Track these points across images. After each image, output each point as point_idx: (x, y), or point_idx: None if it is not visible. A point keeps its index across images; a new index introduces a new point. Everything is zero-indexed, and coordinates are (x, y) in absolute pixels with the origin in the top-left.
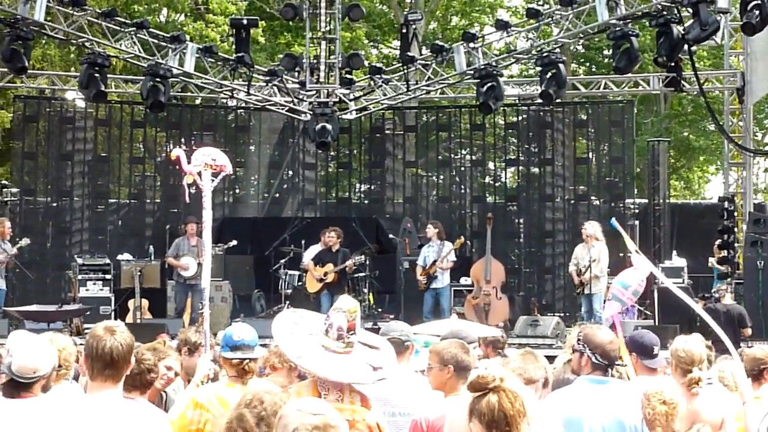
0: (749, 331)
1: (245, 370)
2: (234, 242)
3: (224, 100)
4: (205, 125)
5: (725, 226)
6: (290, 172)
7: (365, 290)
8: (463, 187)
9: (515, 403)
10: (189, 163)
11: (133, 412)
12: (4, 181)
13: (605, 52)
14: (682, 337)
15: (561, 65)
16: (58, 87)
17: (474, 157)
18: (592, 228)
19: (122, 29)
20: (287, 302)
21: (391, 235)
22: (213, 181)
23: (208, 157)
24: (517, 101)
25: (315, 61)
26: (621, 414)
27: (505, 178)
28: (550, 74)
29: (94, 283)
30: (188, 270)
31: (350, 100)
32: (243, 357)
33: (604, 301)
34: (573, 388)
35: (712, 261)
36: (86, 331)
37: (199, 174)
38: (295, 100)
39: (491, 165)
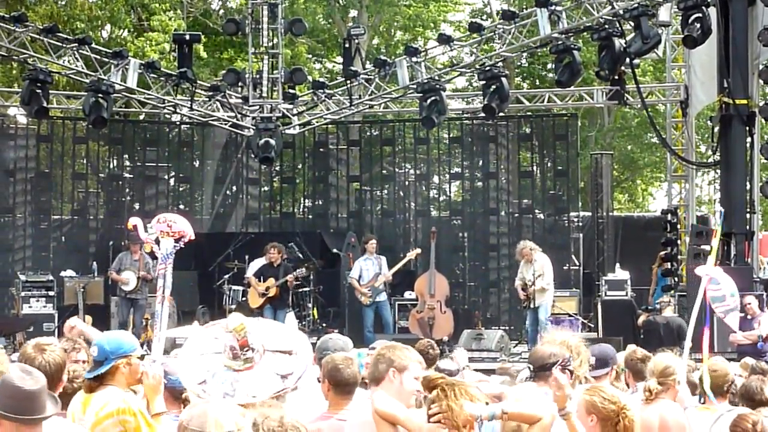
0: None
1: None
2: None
3: (167, 116)
4: (149, 141)
5: (668, 239)
6: (234, 188)
7: (309, 305)
8: (407, 201)
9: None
10: (146, 231)
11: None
12: None
13: (549, 66)
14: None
15: (504, 79)
16: (0, 103)
17: (418, 171)
18: (524, 245)
19: (64, 45)
20: None
21: (335, 250)
22: (176, 246)
23: (164, 224)
24: (461, 115)
25: (258, 76)
26: None
27: (450, 192)
28: (492, 88)
29: (38, 300)
30: (128, 284)
31: (293, 115)
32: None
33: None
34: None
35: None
36: None
37: (157, 241)
38: (239, 116)
39: (435, 179)
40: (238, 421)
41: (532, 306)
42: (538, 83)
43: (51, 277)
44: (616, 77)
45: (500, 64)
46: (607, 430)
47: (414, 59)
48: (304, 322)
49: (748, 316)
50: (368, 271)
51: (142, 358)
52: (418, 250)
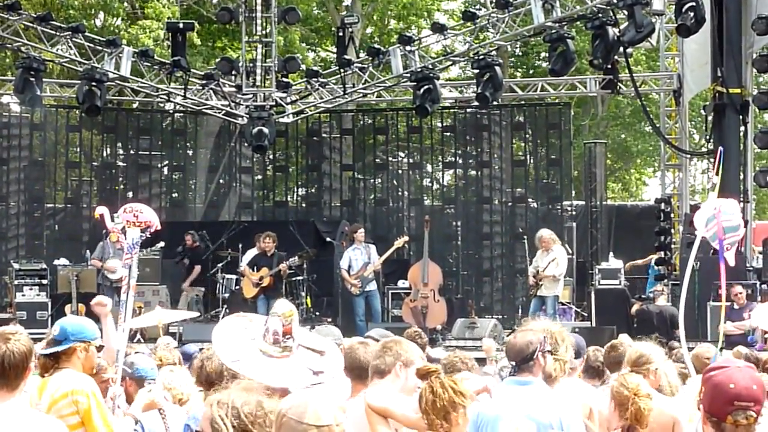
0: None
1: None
2: (161, 243)
3: (161, 104)
4: (142, 129)
5: (662, 228)
6: (227, 176)
7: (302, 293)
8: (400, 189)
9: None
10: (112, 221)
11: (31, 422)
12: None
13: (542, 55)
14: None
15: (497, 68)
16: None
17: (411, 160)
18: (545, 234)
19: (58, 33)
20: (225, 306)
21: (328, 239)
22: (141, 236)
23: (130, 215)
24: (454, 104)
25: (251, 64)
26: (536, 413)
27: (443, 181)
28: (486, 77)
29: (31, 289)
30: (115, 272)
31: (287, 104)
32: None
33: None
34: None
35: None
36: None
37: (123, 231)
38: (232, 104)
39: (429, 167)
40: (337, 415)
41: (538, 294)
42: (531, 72)
43: (44, 266)
44: (610, 66)
45: (494, 52)
46: (622, 414)
47: (408, 48)
48: (297, 311)
49: (736, 306)
50: (357, 260)
51: (100, 349)
52: (406, 238)
